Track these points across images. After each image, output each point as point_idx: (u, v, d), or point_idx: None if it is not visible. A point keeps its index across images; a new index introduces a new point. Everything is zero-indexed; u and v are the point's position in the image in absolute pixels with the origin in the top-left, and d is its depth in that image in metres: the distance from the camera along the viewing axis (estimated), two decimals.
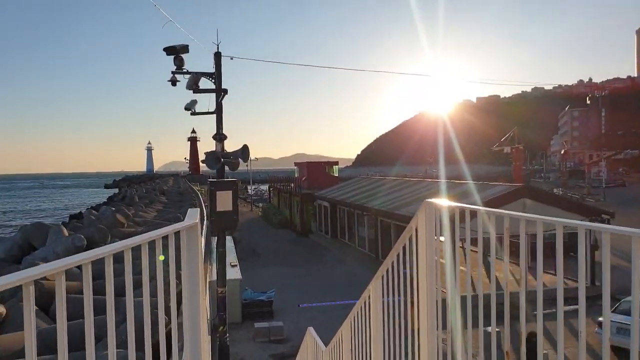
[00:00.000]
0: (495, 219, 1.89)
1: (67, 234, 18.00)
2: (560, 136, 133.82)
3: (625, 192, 56.56)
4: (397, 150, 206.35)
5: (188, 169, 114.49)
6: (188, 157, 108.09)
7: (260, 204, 54.31)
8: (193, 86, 9.91)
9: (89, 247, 16.62)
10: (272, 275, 21.53)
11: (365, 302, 3.74)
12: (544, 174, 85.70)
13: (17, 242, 18.18)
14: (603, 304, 1.43)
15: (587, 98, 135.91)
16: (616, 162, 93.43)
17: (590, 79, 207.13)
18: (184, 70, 9.93)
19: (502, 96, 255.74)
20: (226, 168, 9.86)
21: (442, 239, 2.47)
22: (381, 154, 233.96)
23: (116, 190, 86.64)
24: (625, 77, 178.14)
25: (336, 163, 46.66)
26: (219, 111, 10.22)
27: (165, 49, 9.78)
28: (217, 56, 10.25)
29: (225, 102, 10.30)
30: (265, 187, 70.24)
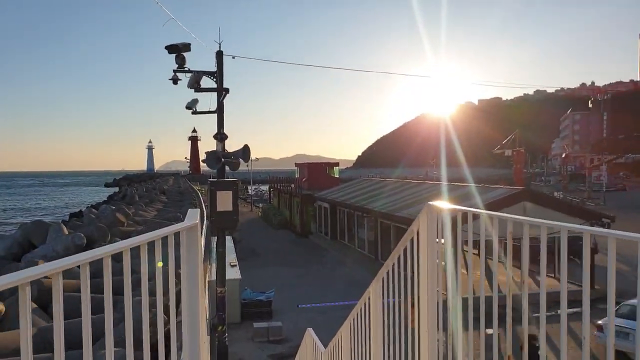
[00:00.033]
0: (498, 223, 1.87)
1: (67, 232, 18.01)
2: (562, 139, 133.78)
3: (625, 197, 56.53)
4: (398, 151, 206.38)
5: (188, 169, 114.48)
6: (189, 157, 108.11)
7: (261, 205, 54.31)
8: (194, 85, 9.90)
9: (89, 245, 16.62)
10: (271, 275, 21.52)
11: (365, 304, 3.72)
12: (545, 177, 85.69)
13: (17, 240, 18.19)
14: (608, 309, 1.41)
15: (590, 101, 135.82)
16: (617, 166, 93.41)
17: (593, 82, 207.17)
18: (186, 69, 9.92)
19: (504, 99, 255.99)
20: (227, 168, 9.85)
21: (443, 241, 2.45)
22: (382, 155, 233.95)
23: (116, 189, 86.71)
24: (628, 80, 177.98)
25: (337, 164, 46.65)
26: (220, 110, 10.21)
27: (167, 47, 9.76)
28: (219, 55, 10.24)
29: (226, 101, 10.29)
30: (265, 188, 70.24)
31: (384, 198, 25.45)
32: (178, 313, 2.74)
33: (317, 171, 42.59)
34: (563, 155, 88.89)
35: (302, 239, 33.62)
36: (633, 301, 11.23)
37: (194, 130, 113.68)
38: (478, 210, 1.99)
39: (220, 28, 10.32)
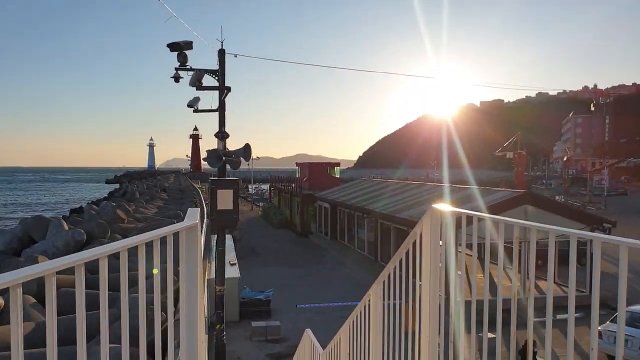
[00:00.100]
0: (503, 227, 1.83)
1: (67, 228, 18.00)
2: (563, 142, 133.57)
3: (626, 201, 56.42)
4: (399, 152, 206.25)
5: (189, 167, 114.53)
6: (190, 155, 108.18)
7: (261, 204, 54.33)
8: (196, 83, 9.87)
9: (89, 241, 16.61)
10: (270, 274, 21.50)
11: (365, 307, 3.69)
12: (546, 180, 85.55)
13: (17, 235, 18.19)
14: (618, 318, 1.37)
15: (592, 104, 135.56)
16: (619, 170, 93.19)
17: (595, 85, 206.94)
18: (188, 67, 9.89)
19: (506, 101, 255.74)
20: (228, 166, 9.82)
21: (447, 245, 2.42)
22: (383, 156, 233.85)
23: (117, 186, 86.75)
24: (630, 83, 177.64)
25: (338, 164, 46.60)
26: (221, 109, 10.18)
27: (169, 45, 9.74)
28: (221, 53, 10.21)
29: (228, 100, 10.26)
30: (266, 187, 70.26)
31: (384, 199, 25.42)
32: (176, 311, 2.71)
33: (318, 171, 42.56)
34: (565, 159, 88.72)
35: (302, 238, 33.61)
36: (633, 308, 11.18)
37: (196, 129, 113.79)
38: (483, 214, 1.95)
39: (222, 26, 10.26)
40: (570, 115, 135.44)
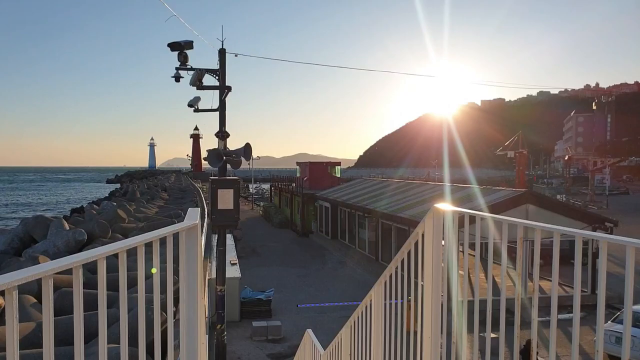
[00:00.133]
0: (507, 227, 1.81)
1: (68, 227, 17.99)
2: (565, 141, 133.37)
3: (628, 200, 56.36)
4: (400, 151, 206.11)
5: (190, 166, 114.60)
6: (190, 154, 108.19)
7: (262, 203, 54.33)
8: (197, 82, 9.85)
9: (90, 241, 16.61)
10: (271, 274, 21.50)
11: (366, 307, 3.67)
12: (547, 179, 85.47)
13: (18, 235, 18.19)
14: (624, 320, 1.35)
15: (594, 103, 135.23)
16: (620, 169, 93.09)
17: (597, 84, 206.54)
18: (188, 67, 9.88)
19: (507, 99, 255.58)
20: (228, 166, 9.81)
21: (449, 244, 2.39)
22: (384, 155, 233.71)
23: (118, 186, 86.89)
24: (632, 82, 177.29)
25: (338, 164, 46.56)
26: (222, 109, 10.17)
27: (169, 45, 9.72)
28: (222, 53, 10.20)
29: (228, 99, 10.25)
30: (266, 186, 70.25)
31: (385, 198, 25.39)
32: (177, 311, 2.70)
33: (319, 170, 42.53)
34: (566, 157, 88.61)
35: (302, 238, 33.60)
36: (633, 307, 11.16)
37: (196, 128, 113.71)
38: (486, 214, 1.93)
39: (223, 26, 10.25)
40: (572, 114, 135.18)
